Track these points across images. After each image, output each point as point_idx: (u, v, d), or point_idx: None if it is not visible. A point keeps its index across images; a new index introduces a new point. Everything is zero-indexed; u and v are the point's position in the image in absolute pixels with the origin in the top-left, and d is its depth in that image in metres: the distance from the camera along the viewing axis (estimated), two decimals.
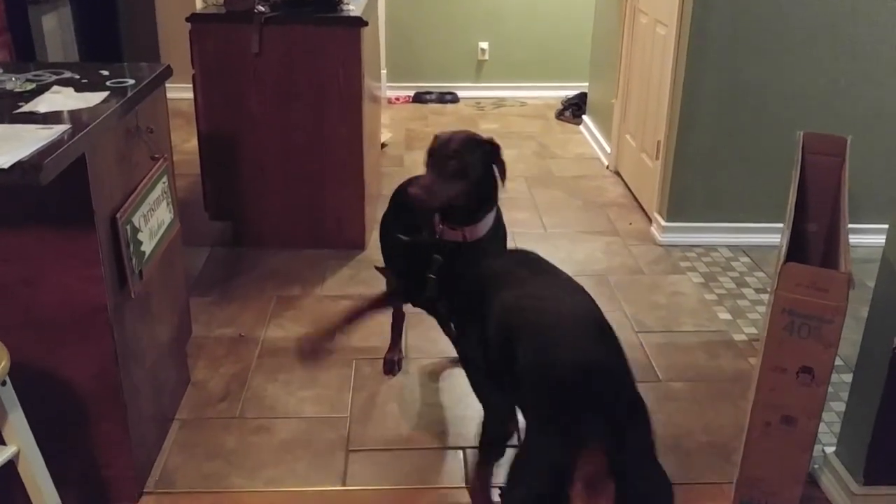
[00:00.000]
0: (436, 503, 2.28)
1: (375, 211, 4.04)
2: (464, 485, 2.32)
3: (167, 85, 2.52)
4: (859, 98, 3.62)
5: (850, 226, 2.16)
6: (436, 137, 2.28)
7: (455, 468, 2.39)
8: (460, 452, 2.45)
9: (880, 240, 2.17)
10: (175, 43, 5.28)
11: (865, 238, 3.35)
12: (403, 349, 2.93)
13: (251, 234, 3.69)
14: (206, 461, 2.38)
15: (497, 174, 2.27)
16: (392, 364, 2.84)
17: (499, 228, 2.35)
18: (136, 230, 2.14)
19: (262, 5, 3.46)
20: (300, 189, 3.61)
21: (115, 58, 5.00)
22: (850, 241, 2.08)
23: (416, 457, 2.43)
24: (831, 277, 1.91)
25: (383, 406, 2.64)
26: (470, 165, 2.20)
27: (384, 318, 3.13)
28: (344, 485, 2.31)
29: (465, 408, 2.61)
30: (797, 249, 2.23)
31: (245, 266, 3.54)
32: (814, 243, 2.60)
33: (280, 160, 3.56)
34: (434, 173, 2.19)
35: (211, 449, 2.43)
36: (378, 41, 5.14)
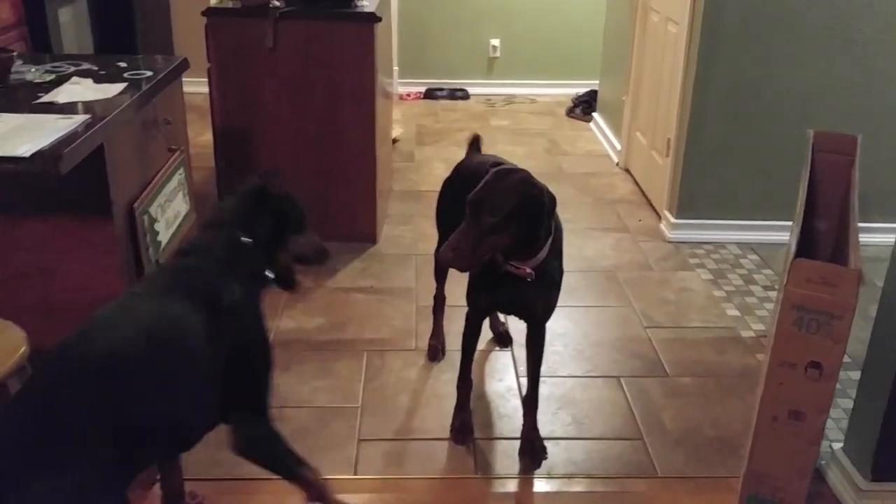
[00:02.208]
0: (444, 493, 2.31)
1: (387, 205, 4.07)
2: (473, 475, 2.35)
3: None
4: (870, 96, 3.63)
5: (859, 224, 2.17)
6: (486, 180, 2.01)
7: (464, 459, 2.41)
8: (470, 443, 2.47)
9: (890, 239, 2.19)
10: (189, 37, 5.31)
11: (875, 237, 3.37)
12: (415, 340, 2.96)
13: None
14: (220, 449, 2.39)
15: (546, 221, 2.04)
16: (436, 350, 2.86)
17: (556, 240, 2.18)
18: (153, 220, 2.17)
19: (277, 0, 3.49)
20: (313, 183, 3.63)
21: (130, 51, 5.03)
22: (860, 239, 2.09)
23: (426, 447, 2.45)
24: (841, 273, 1.92)
25: (394, 397, 2.67)
26: (511, 222, 1.97)
27: (396, 311, 3.16)
28: (355, 473, 2.34)
29: (474, 400, 2.64)
30: (806, 247, 2.24)
31: None
32: (823, 241, 2.60)
33: (293, 154, 3.59)
34: (469, 230, 1.97)
35: (224, 437, 2.45)
36: (391, 37, 5.15)
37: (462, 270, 2.08)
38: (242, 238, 1.82)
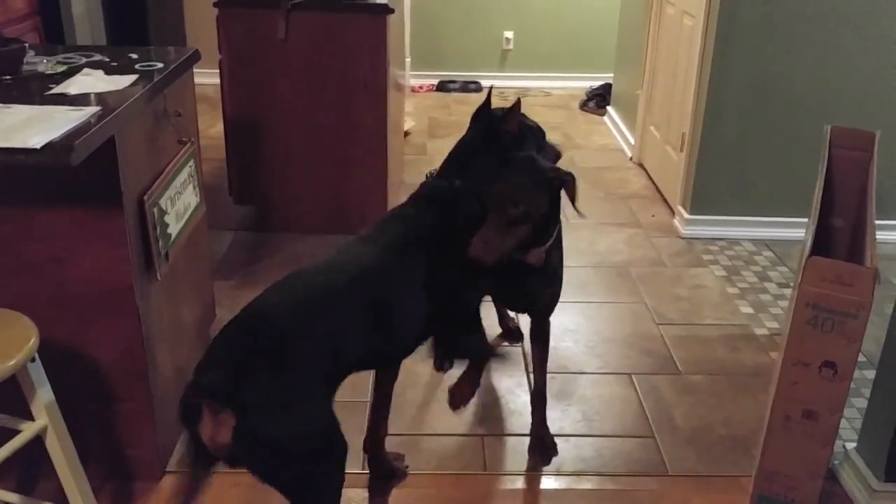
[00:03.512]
0: (453, 488, 2.30)
1: (398, 197, 4.05)
2: (482, 471, 2.34)
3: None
4: (889, 92, 3.58)
5: (876, 222, 2.14)
6: (501, 171, 2.03)
7: (474, 455, 2.40)
8: (479, 440, 2.46)
9: None
10: (201, 28, 5.31)
11: (892, 235, 3.33)
12: None
13: (275, 219, 3.71)
14: None
15: (568, 199, 2.08)
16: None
17: (558, 230, 2.21)
18: (162, 212, 2.16)
19: None
20: (324, 175, 3.62)
21: (143, 42, 5.04)
22: (877, 237, 2.06)
23: (434, 443, 2.45)
24: (857, 272, 1.90)
25: (403, 393, 2.65)
26: (535, 210, 2.00)
27: None
28: (364, 468, 2.33)
29: (484, 396, 2.63)
30: (822, 245, 2.21)
31: (268, 251, 3.57)
32: (839, 239, 2.57)
33: (305, 146, 3.58)
34: (496, 223, 1.96)
35: None
36: (403, 29, 5.14)
37: (491, 263, 2.06)
38: (454, 182, 2.07)
